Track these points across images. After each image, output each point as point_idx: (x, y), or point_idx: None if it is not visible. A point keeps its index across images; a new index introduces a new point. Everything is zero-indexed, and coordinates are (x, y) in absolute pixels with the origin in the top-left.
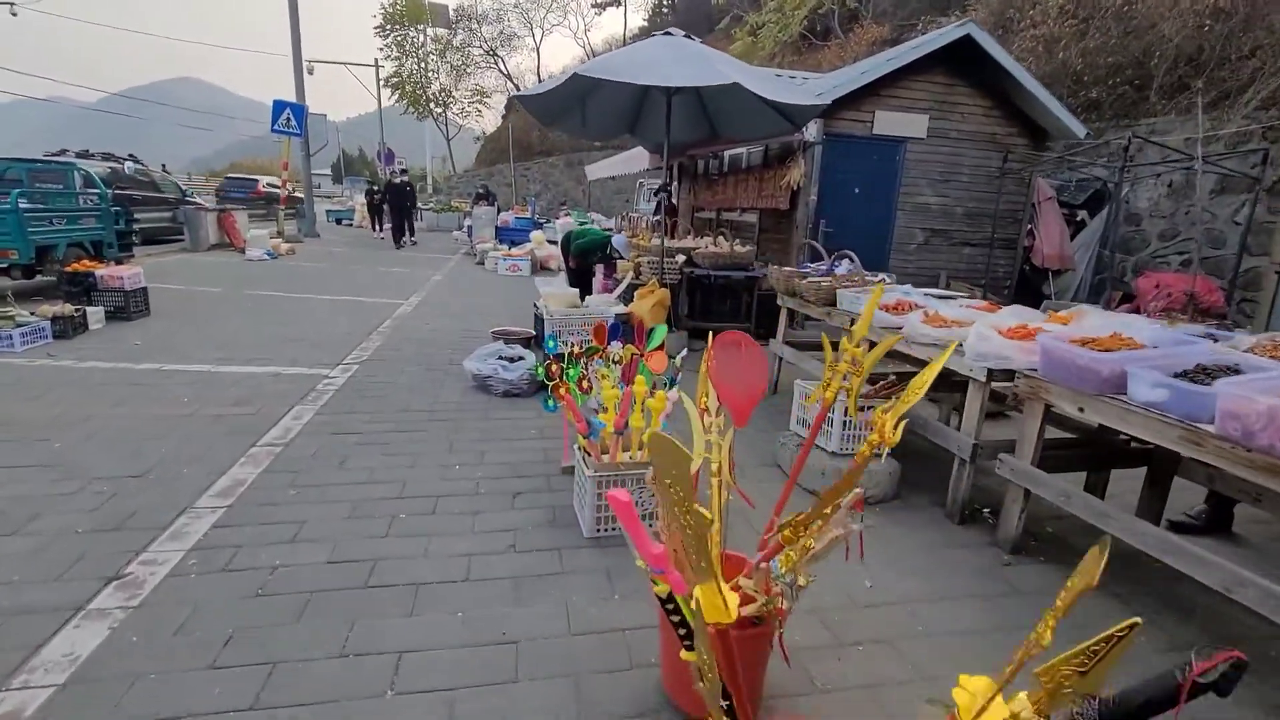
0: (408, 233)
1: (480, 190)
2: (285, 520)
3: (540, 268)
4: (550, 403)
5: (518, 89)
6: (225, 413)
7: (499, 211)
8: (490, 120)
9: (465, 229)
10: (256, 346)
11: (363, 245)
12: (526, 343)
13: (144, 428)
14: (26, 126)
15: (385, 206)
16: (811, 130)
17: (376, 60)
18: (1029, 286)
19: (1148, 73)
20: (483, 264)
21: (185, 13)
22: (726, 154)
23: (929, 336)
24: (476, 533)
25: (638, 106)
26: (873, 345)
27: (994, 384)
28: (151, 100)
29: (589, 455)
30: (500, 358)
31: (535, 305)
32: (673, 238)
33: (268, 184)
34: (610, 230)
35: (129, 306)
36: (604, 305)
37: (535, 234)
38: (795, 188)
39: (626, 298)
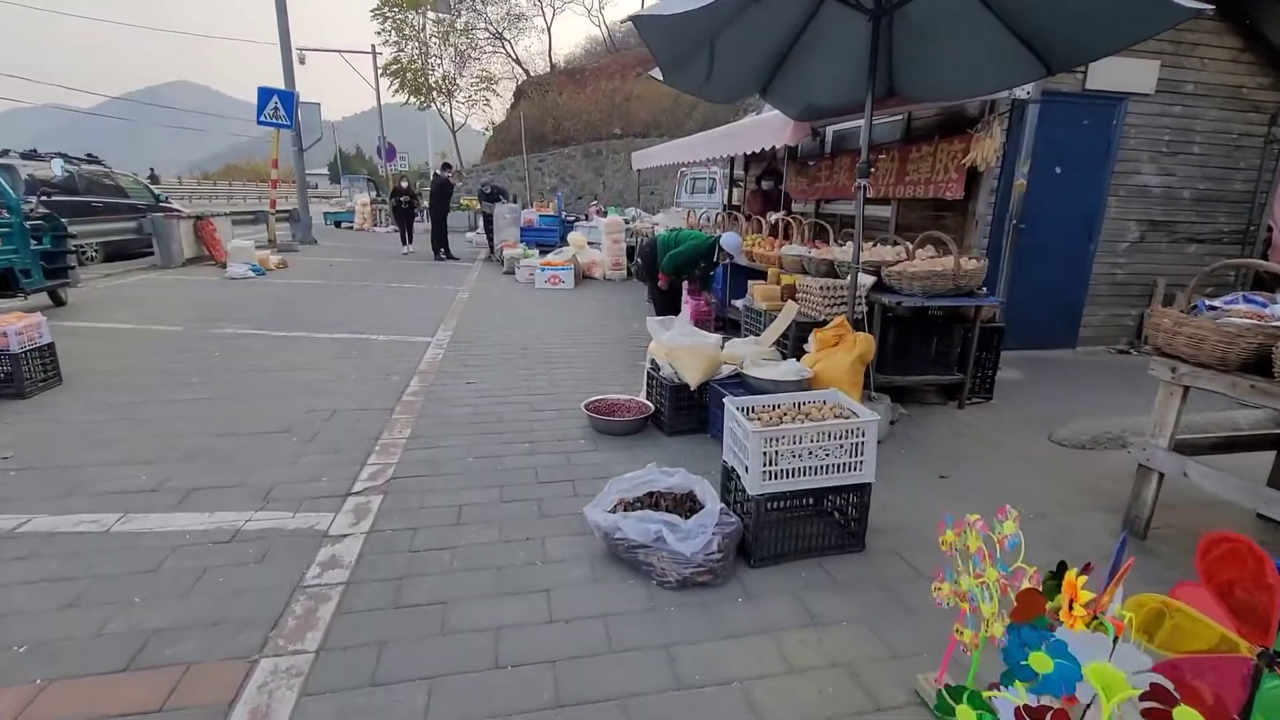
0: (446, 244)
1: (484, 189)
2: None
3: (584, 276)
4: None
5: (527, 74)
6: (98, 714)
7: (522, 209)
8: (498, 109)
9: (480, 230)
10: (207, 456)
11: (367, 253)
12: (643, 423)
13: None
14: (19, 135)
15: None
16: (1028, 86)
17: (374, 47)
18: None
19: None
20: (512, 273)
21: (180, 13)
22: (830, 129)
23: None
24: None
25: (786, 49)
26: None
27: None
28: (147, 104)
29: None
30: (656, 495)
31: (654, 365)
32: (783, 240)
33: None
34: (705, 230)
35: (21, 377)
36: (766, 366)
37: (574, 235)
38: (981, 168)
39: (784, 344)
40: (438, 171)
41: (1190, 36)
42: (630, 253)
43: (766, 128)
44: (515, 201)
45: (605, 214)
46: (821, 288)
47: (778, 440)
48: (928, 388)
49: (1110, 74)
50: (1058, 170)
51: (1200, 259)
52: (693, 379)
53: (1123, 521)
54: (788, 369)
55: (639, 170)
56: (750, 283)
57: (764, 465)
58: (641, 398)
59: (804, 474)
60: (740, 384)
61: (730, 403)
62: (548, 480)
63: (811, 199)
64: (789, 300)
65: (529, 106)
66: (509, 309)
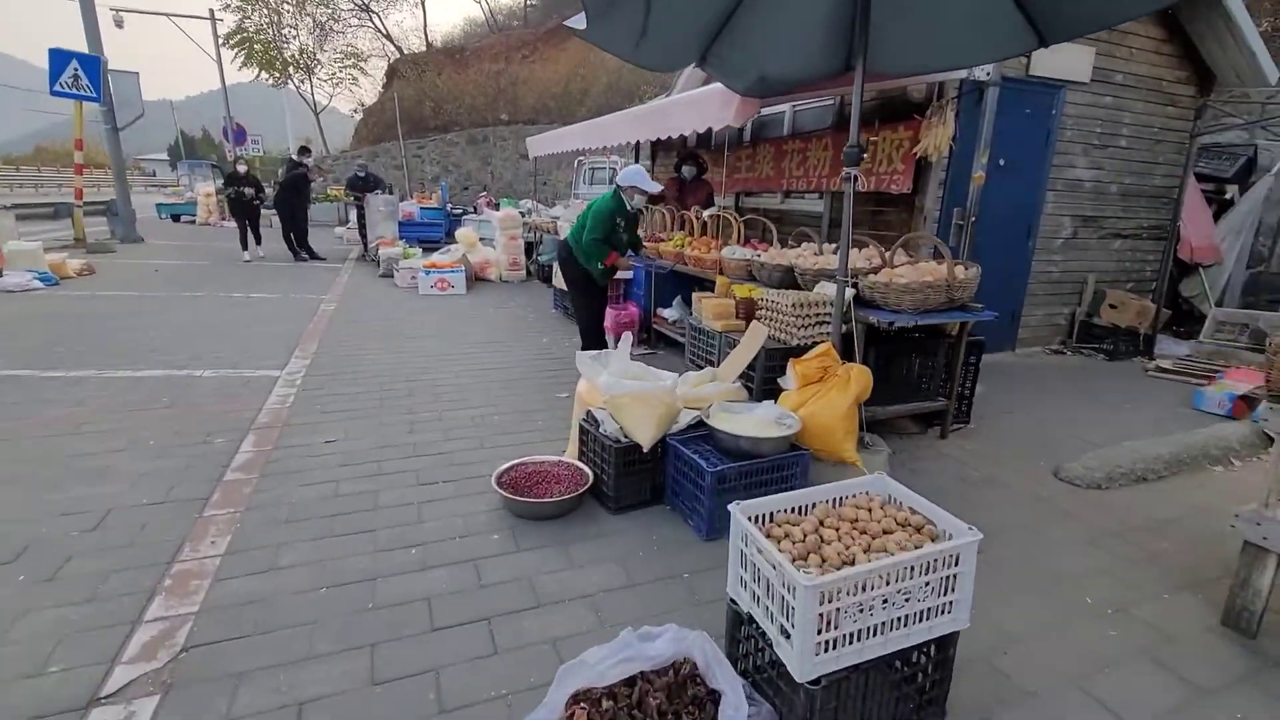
0: (307, 243)
1: (357, 174)
2: None
3: (476, 278)
4: None
5: (401, 52)
6: None
7: (400, 200)
8: (368, 90)
9: (352, 224)
10: None
11: (207, 253)
12: (579, 500)
13: None
14: None
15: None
16: (988, 66)
17: (213, 12)
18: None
19: None
20: (390, 276)
21: None
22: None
23: None
24: None
25: (735, 4)
26: None
27: None
28: None
29: None
30: (639, 682)
31: (590, 418)
32: (720, 240)
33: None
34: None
35: None
36: (738, 415)
37: (463, 232)
38: (932, 158)
39: (751, 377)
40: (293, 157)
41: (1122, 26)
42: (529, 249)
43: (702, 105)
44: (392, 192)
45: (497, 206)
46: (795, 304)
47: (840, 593)
48: (903, 416)
49: (1052, 59)
50: (1001, 162)
51: (1124, 254)
52: (644, 436)
53: (1224, 613)
54: (766, 417)
55: (534, 158)
56: (695, 295)
57: (819, 632)
58: (571, 457)
59: (874, 634)
60: (707, 438)
61: (739, 512)
62: (447, 624)
63: (730, 191)
64: (753, 321)
65: (404, 87)
66: (387, 324)
